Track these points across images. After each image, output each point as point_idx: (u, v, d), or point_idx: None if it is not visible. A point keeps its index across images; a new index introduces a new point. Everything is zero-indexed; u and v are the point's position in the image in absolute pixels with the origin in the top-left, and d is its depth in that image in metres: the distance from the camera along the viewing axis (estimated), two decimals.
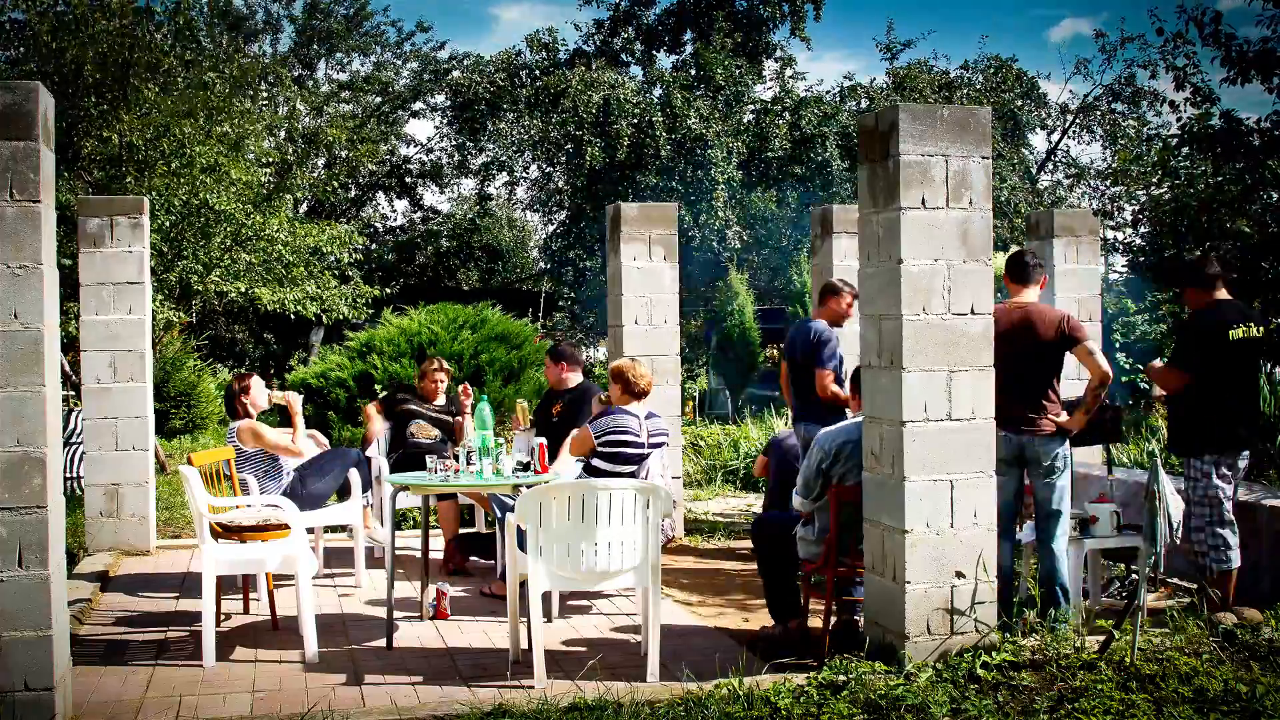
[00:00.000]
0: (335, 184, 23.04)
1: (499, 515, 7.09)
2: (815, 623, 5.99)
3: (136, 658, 5.83)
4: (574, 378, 7.95)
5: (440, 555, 8.19)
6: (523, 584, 5.38)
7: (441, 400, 8.39)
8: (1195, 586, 6.81)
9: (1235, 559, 6.04)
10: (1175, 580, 7.01)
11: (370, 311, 18.02)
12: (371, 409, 8.36)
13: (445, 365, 8.49)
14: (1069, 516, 6.00)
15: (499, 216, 32.23)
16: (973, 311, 5.20)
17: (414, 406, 8.26)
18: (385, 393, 8.59)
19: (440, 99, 28.92)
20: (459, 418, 8.30)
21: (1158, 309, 13.56)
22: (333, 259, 17.73)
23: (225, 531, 6.27)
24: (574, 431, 6.79)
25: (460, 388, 8.43)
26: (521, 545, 5.39)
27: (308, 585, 5.80)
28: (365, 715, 4.82)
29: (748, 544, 8.40)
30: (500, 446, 6.29)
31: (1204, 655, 5.18)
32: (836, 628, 6.00)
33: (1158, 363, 6.37)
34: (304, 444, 7.57)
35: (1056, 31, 55.64)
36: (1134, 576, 6.73)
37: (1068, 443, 5.91)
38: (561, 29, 43.33)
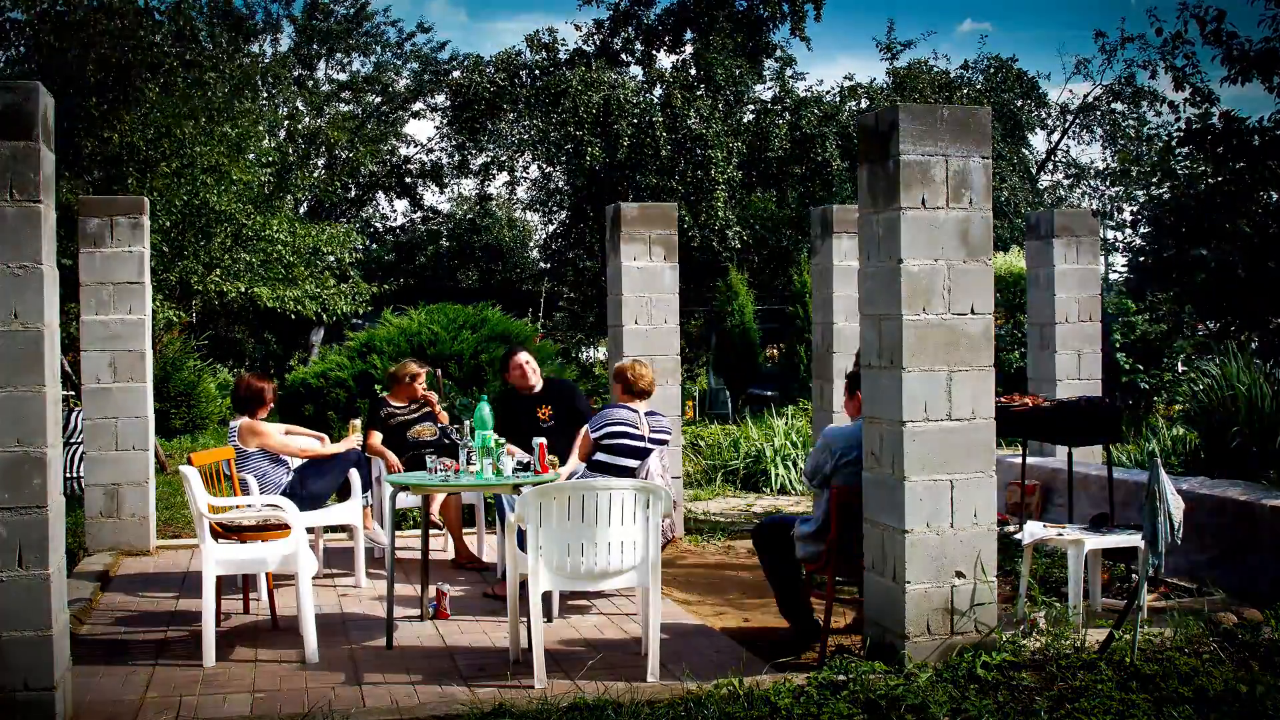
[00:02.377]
0: (336, 184, 23.05)
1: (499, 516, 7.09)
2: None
3: (136, 658, 5.82)
4: (538, 378, 8.01)
5: (441, 555, 8.21)
6: (523, 584, 5.38)
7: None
8: (1195, 586, 6.82)
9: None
10: (1174, 580, 7.01)
11: (369, 307, 18.03)
12: (375, 439, 8.22)
13: (422, 375, 8.41)
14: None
15: (499, 216, 32.21)
16: (973, 311, 5.20)
17: (404, 417, 8.27)
18: (368, 413, 8.53)
19: (440, 99, 28.92)
20: (432, 404, 8.38)
21: (1158, 309, 13.56)
22: (333, 259, 17.73)
23: (225, 531, 6.28)
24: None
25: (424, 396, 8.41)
26: (522, 545, 5.39)
27: (308, 585, 5.80)
28: (365, 715, 4.83)
29: (747, 543, 8.40)
30: (500, 446, 6.29)
31: (1204, 655, 5.18)
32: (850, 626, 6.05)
33: None
34: (303, 444, 7.56)
35: (961, 29, 55.60)
36: (1134, 576, 6.73)
37: None
38: (561, 29, 43.38)
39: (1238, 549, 6.89)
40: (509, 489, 6.31)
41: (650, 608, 5.41)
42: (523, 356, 7.96)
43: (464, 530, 8.51)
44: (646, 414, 6.75)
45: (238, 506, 6.54)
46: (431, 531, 7.55)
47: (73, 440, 10.85)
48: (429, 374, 8.82)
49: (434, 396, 8.46)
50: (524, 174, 26.80)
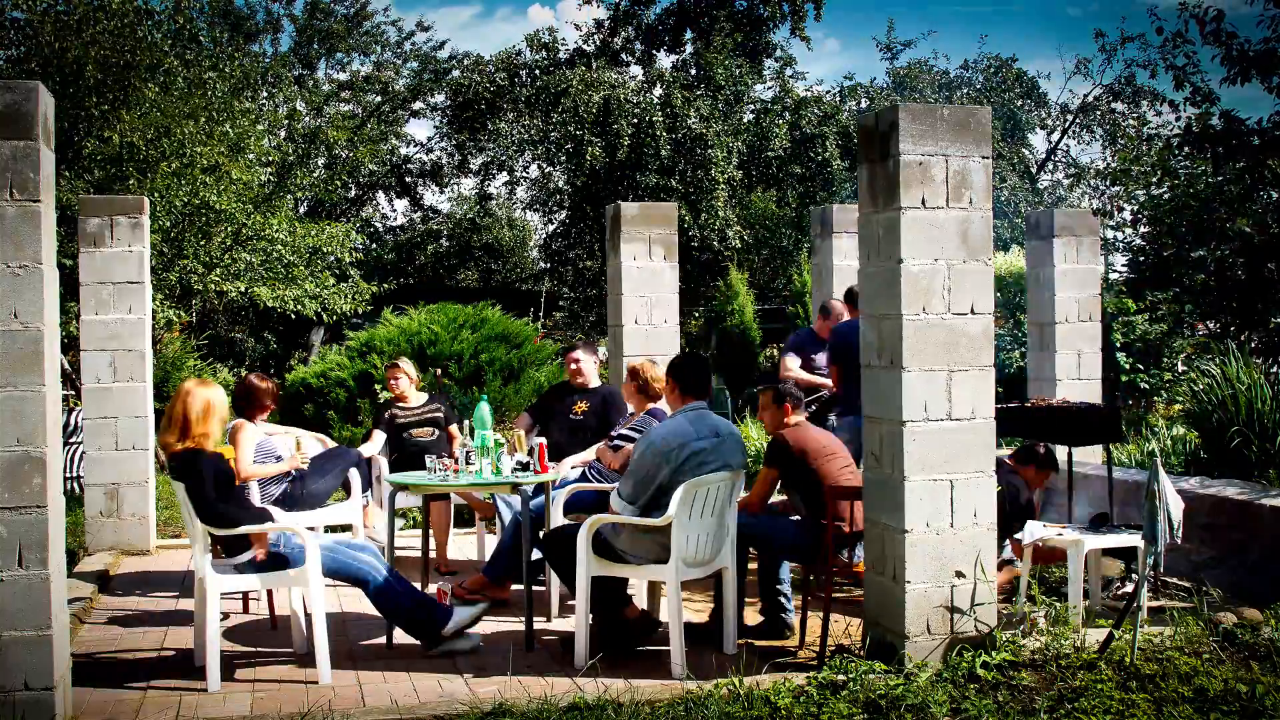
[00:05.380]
0: (335, 184, 23.03)
1: (502, 518, 7.06)
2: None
3: (136, 657, 5.82)
4: (596, 376, 7.96)
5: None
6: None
7: (422, 398, 8.39)
8: (1194, 586, 6.82)
9: None
10: (1174, 580, 7.01)
11: (369, 307, 18.03)
12: (374, 438, 8.19)
13: (401, 366, 8.39)
14: None
15: (499, 216, 32.20)
16: (973, 311, 5.20)
17: (404, 419, 8.26)
18: (374, 415, 8.53)
19: (440, 99, 28.91)
20: (450, 426, 8.26)
21: (1158, 309, 13.56)
22: (333, 259, 17.72)
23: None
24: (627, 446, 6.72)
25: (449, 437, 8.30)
26: (596, 547, 5.54)
27: (318, 589, 5.76)
28: (365, 714, 4.83)
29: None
30: (500, 447, 6.29)
31: (1204, 655, 5.17)
32: None
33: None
34: (250, 469, 7.15)
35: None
36: (1134, 576, 6.73)
37: None
38: (561, 29, 43.36)
39: (1237, 549, 6.89)
40: (508, 489, 6.31)
41: (729, 586, 5.72)
42: (576, 354, 7.89)
43: (461, 531, 8.53)
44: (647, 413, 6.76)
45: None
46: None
47: (72, 440, 10.85)
48: (429, 375, 8.82)
49: (454, 431, 8.25)
50: (524, 174, 26.81)
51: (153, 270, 11.54)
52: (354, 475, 7.51)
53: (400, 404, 8.29)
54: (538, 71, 24.30)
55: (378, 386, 10.81)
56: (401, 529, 8.92)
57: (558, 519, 6.59)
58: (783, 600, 6.10)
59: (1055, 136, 29.53)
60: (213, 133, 14.20)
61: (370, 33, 29.98)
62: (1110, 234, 14.47)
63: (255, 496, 7.05)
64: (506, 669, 5.47)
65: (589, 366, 7.87)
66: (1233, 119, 9.06)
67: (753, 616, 6.27)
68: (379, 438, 8.04)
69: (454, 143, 28.41)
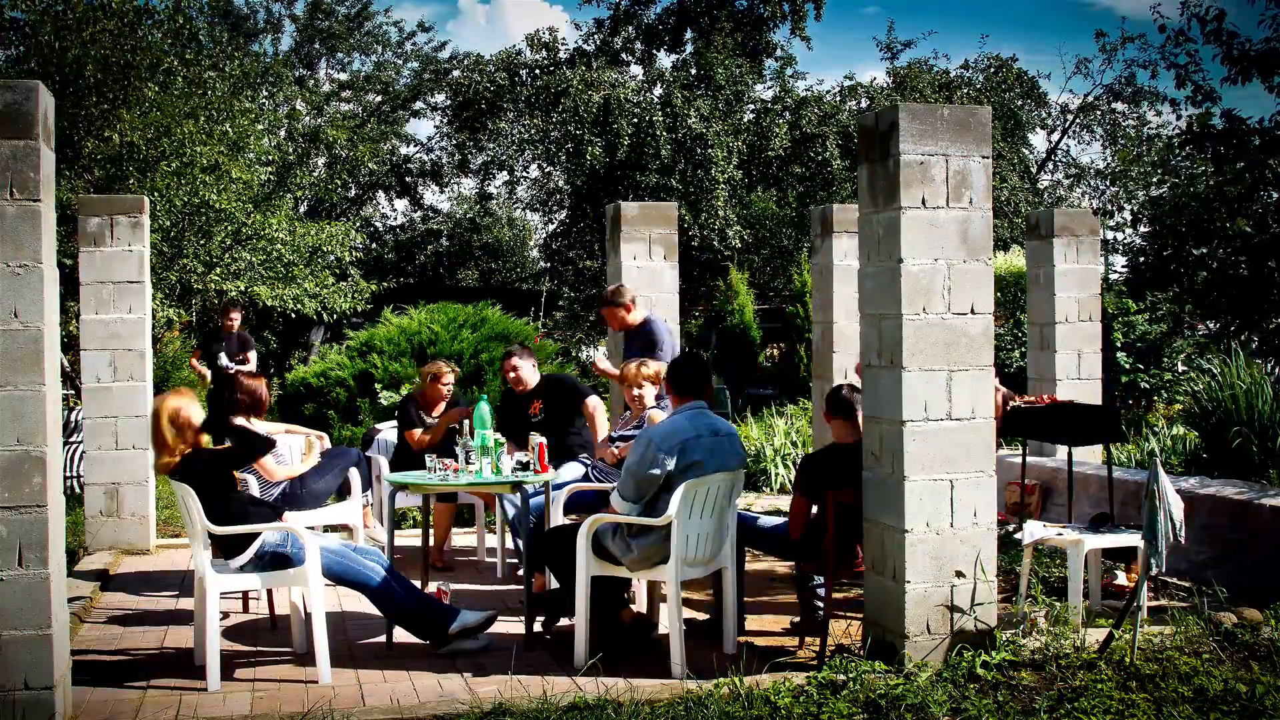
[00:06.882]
0: (336, 183, 23.04)
1: (509, 518, 7.05)
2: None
3: (136, 657, 5.82)
4: (535, 376, 7.92)
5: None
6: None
7: (443, 408, 8.34)
8: (1194, 586, 6.82)
9: None
10: (1174, 580, 7.01)
11: (370, 306, 18.04)
12: (416, 436, 8.11)
13: (441, 370, 8.34)
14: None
15: (499, 216, 32.20)
16: (973, 311, 5.20)
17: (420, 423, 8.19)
18: (401, 412, 8.35)
19: (441, 98, 28.92)
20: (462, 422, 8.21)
21: (1158, 309, 13.56)
22: (333, 258, 17.73)
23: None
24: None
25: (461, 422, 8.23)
26: (596, 547, 5.53)
27: (318, 587, 5.76)
28: (366, 714, 4.83)
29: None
30: (501, 446, 6.29)
31: (1204, 655, 5.18)
32: None
33: None
34: (288, 470, 7.28)
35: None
36: (1133, 576, 6.73)
37: None
38: (562, 28, 43.37)
39: (1237, 549, 6.89)
40: (508, 489, 6.31)
41: (728, 586, 5.72)
42: (514, 361, 7.81)
43: (462, 530, 8.50)
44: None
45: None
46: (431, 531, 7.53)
47: (73, 439, 10.84)
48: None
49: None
50: (524, 173, 26.79)
51: (153, 270, 11.53)
52: (354, 475, 7.51)
53: (427, 408, 8.18)
54: (538, 71, 24.29)
55: (378, 386, 10.81)
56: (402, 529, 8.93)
57: (558, 519, 6.59)
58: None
59: (1055, 136, 29.53)
60: (213, 132, 14.20)
61: (371, 33, 30.00)
62: (1110, 234, 14.46)
63: (254, 493, 7.04)
64: (506, 669, 5.47)
65: (527, 372, 7.82)
66: (1234, 118, 9.04)
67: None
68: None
69: (454, 142, 28.40)
